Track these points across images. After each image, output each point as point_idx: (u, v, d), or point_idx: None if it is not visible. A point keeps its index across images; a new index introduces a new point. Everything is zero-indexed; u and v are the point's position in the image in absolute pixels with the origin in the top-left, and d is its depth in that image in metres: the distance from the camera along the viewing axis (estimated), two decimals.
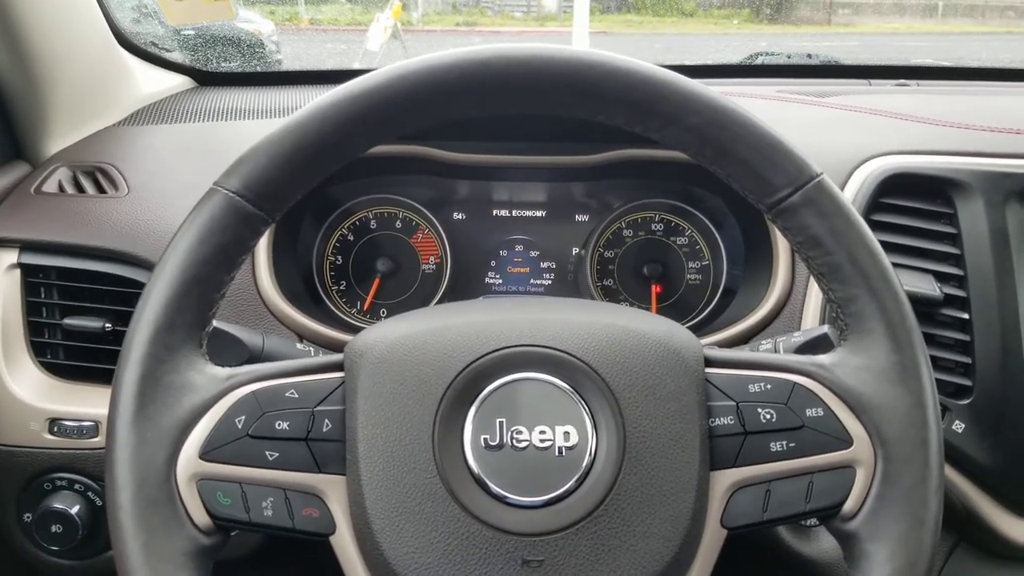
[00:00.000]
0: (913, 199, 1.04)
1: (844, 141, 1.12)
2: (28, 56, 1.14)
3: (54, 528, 1.02)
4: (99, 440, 1.03)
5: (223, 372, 0.65)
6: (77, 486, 1.04)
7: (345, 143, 0.66)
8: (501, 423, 0.62)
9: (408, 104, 0.65)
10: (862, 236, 0.65)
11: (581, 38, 5.64)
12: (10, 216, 1.10)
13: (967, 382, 0.98)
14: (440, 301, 1.23)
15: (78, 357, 1.07)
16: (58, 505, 1.02)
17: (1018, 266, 0.99)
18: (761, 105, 1.28)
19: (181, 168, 1.17)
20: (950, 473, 0.98)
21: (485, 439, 0.61)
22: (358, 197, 1.26)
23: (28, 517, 1.05)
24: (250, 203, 0.65)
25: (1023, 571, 1.04)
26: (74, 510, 1.02)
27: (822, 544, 0.99)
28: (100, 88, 1.32)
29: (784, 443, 0.64)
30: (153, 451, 0.60)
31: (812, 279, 1.02)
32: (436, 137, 1.17)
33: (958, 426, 0.97)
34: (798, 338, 0.84)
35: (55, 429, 1.03)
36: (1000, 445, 0.96)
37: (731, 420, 0.64)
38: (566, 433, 0.62)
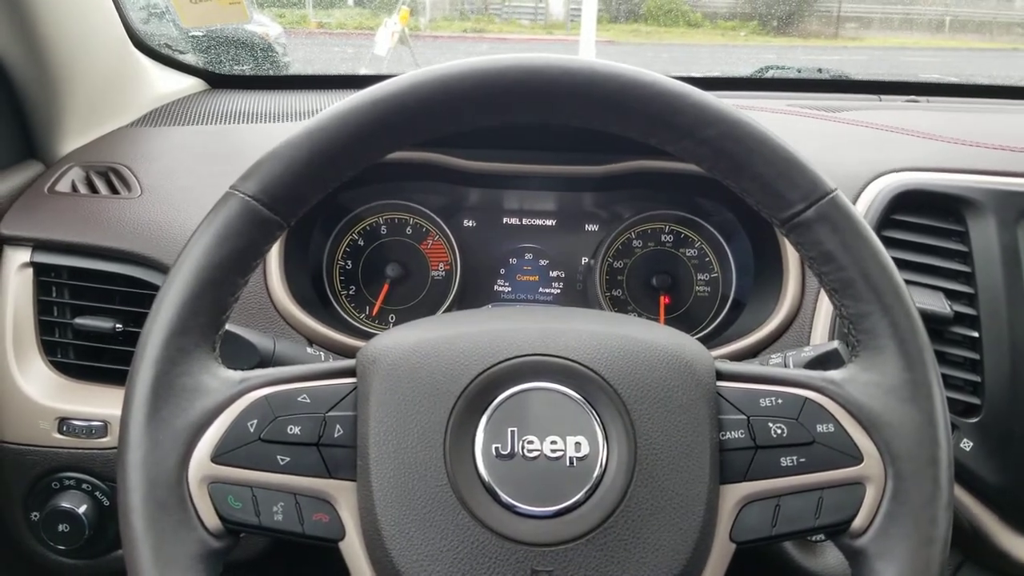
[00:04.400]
0: (924, 216, 1.05)
1: (856, 157, 1.12)
2: (44, 55, 1.14)
3: (61, 527, 1.02)
4: (108, 440, 1.03)
5: (236, 376, 0.65)
6: (85, 485, 1.04)
7: (363, 149, 0.66)
8: (512, 432, 0.62)
9: (426, 112, 0.65)
10: (875, 253, 0.65)
11: (588, 47, 5.63)
12: (23, 215, 1.11)
13: (976, 400, 0.98)
14: (449, 308, 1.23)
15: (88, 357, 1.08)
16: (65, 504, 1.03)
17: None
18: (772, 119, 1.28)
19: (193, 170, 1.18)
20: (957, 491, 0.97)
21: (496, 448, 0.61)
22: (369, 203, 1.26)
23: (35, 516, 1.05)
24: (266, 208, 0.65)
25: None
26: (81, 509, 1.03)
27: (828, 560, 0.99)
28: (114, 89, 1.33)
29: (794, 458, 0.64)
30: (165, 453, 0.61)
31: (822, 293, 1.02)
32: (448, 144, 1.18)
33: (966, 444, 0.97)
34: (808, 353, 0.84)
35: (64, 428, 1.04)
36: (1008, 464, 0.96)
37: (742, 434, 0.64)
38: (577, 444, 0.62)
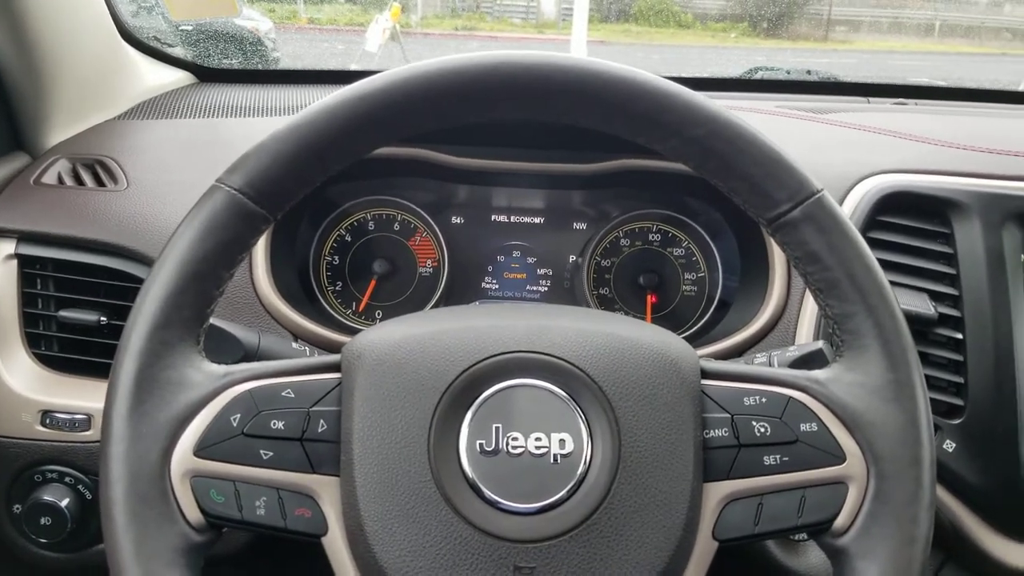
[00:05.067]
0: (910, 218, 1.05)
1: (843, 158, 1.12)
2: (32, 47, 1.14)
3: (43, 520, 1.02)
4: (91, 433, 1.03)
5: (219, 369, 0.65)
6: (67, 479, 1.04)
7: (350, 144, 0.66)
8: (497, 428, 0.62)
9: (414, 107, 0.65)
10: (861, 253, 0.65)
11: (579, 46, 5.63)
12: (8, 206, 1.10)
13: (959, 402, 0.98)
14: (436, 305, 1.23)
15: (72, 350, 1.07)
16: (48, 497, 1.02)
17: (1013, 287, 0.99)
18: (760, 120, 1.28)
19: (181, 164, 1.17)
20: (939, 492, 0.98)
21: (481, 444, 0.62)
22: (357, 198, 1.26)
23: (17, 508, 1.04)
24: (252, 201, 0.65)
25: None
26: (64, 503, 1.02)
27: (810, 559, 0.99)
28: (102, 81, 1.32)
29: (777, 457, 0.64)
30: (148, 446, 0.60)
31: (807, 293, 1.03)
32: (437, 141, 1.17)
33: (949, 445, 0.97)
34: (793, 352, 0.85)
35: (47, 421, 1.03)
36: (990, 465, 0.97)
37: (726, 432, 0.65)
38: (561, 440, 0.62)
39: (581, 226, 1.28)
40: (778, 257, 1.08)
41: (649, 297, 1.24)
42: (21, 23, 1.11)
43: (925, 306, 0.98)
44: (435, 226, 1.24)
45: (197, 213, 0.64)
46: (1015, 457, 0.97)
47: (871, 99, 1.56)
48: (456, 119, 0.67)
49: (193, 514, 0.61)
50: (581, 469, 0.61)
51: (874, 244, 1.03)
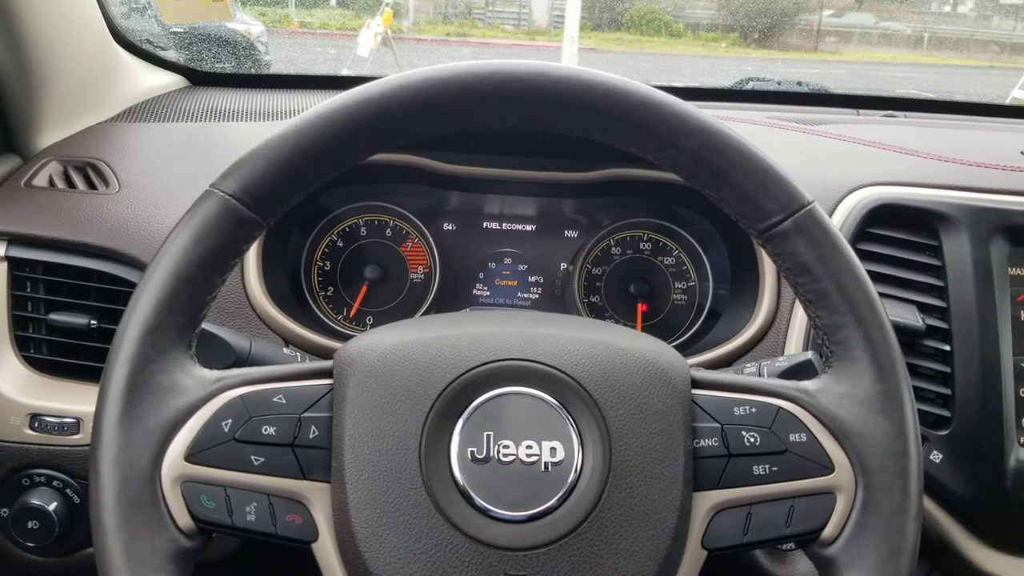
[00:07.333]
0: (899, 230, 1.05)
1: (832, 170, 1.13)
2: (24, 48, 1.14)
3: (30, 524, 1.02)
4: (80, 437, 1.02)
5: (211, 375, 0.65)
6: (55, 483, 1.03)
7: (345, 151, 0.66)
8: (488, 436, 0.62)
9: (409, 114, 0.66)
10: (850, 265, 0.66)
11: (570, 54, 5.66)
12: None
13: (946, 413, 0.99)
14: (427, 311, 1.23)
15: (62, 353, 1.07)
16: (35, 501, 1.02)
17: (1000, 300, 1.00)
18: (751, 131, 1.29)
19: (172, 167, 1.17)
20: (926, 503, 0.98)
21: (472, 452, 0.62)
22: (349, 204, 1.26)
23: (4, 512, 1.04)
24: (246, 207, 0.65)
25: None
26: (51, 507, 1.02)
27: (798, 568, 1.00)
28: (94, 83, 1.32)
29: (767, 467, 0.64)
30: (139, 451, 0.60)
31: (797, 304, 1.03)
32: (430, 147, 1.18)
33: (936, 456, 0.98)
34: (782, 363, 0.85)
35: (36, 425, 1.03)
36: (976, 476, 0.97)
37: (715, 442, 0.65)
38: (552, 449, 0.62)
39: (572, 234, 1.29)
40: (768, 267, 1.08)
41: (639, 306, 1.25)
42: (13, 24, 1.11)
43: (913, 318, 0.99)
44: (427, 232, 1.24)
45: (190, 218, 0.64)
46: (1001, 468, 0.97)
47: (861, 111, 1.57)
48: (450, 127, 0.68)
49: (183, 519, 0.61)
50: (572, 477, 0.61)
51: (863, 256, 1.03)
